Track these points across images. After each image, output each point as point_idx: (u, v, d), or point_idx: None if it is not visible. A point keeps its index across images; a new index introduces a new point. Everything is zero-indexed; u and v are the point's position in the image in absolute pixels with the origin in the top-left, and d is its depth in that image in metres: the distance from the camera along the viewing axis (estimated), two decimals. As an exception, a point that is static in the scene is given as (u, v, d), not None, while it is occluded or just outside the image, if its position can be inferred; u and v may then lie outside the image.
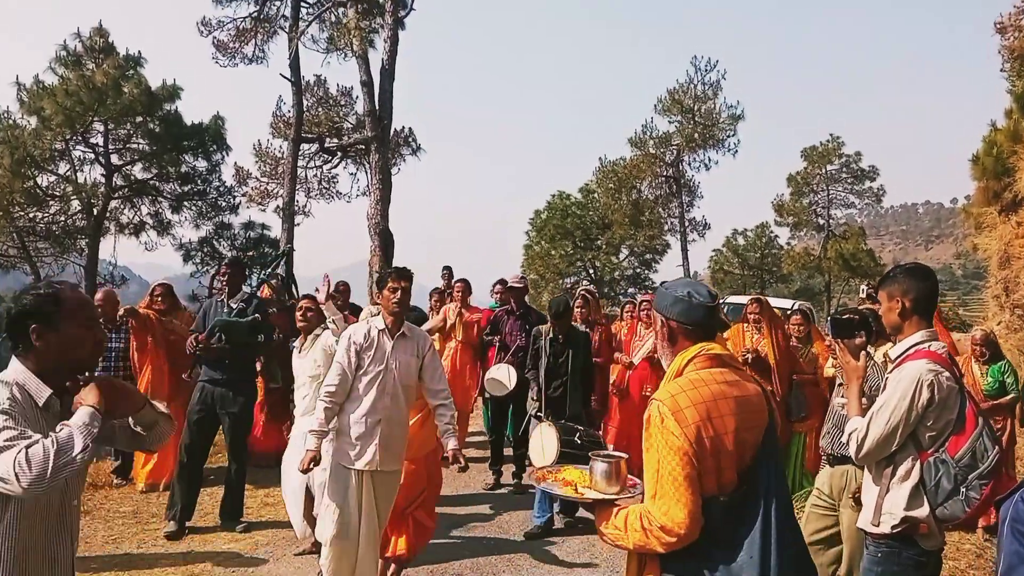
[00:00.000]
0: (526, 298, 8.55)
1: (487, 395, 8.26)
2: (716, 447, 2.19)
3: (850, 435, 3.03)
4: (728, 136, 32.38)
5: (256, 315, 6.43)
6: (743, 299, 10.26)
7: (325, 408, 4.42)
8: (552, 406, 6.29)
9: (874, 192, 39.23)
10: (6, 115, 18.72)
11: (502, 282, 11.45)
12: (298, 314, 5.74)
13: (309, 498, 5.34)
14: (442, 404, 4.60)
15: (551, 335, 6.56)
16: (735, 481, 2.21)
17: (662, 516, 2.19)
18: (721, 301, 3.76)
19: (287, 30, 19.09)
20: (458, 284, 9.23)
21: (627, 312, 8.59)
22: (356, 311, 8.07)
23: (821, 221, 38.76)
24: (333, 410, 4.43)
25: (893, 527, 2.91)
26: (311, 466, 4.39)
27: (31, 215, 19.26)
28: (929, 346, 2.96)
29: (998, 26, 10.51)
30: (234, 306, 6.47)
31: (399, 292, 4.47)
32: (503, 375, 7.44)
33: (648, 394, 7.28)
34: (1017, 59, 10.06)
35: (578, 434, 5.00)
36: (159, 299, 7.75)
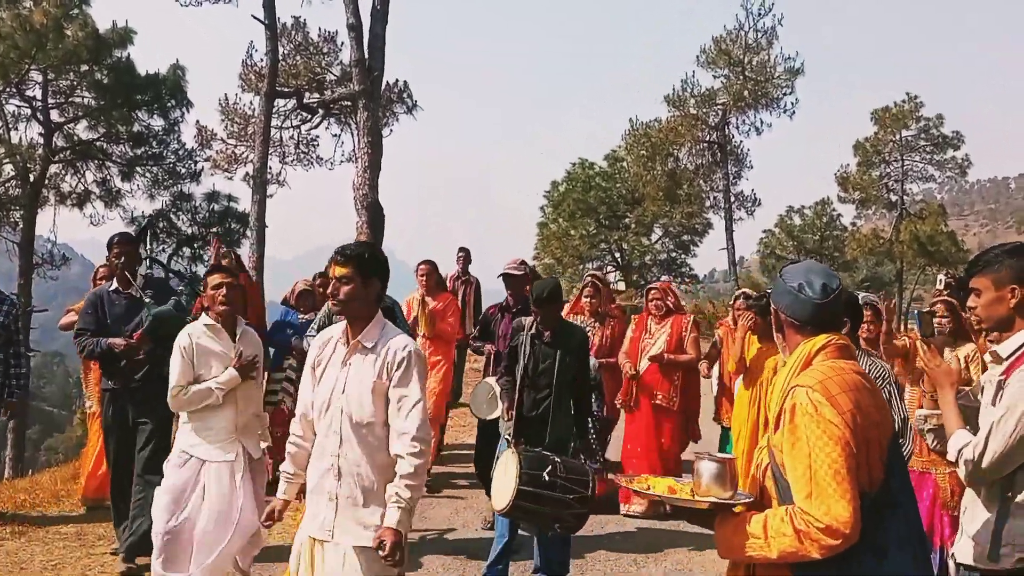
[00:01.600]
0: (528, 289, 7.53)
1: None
2: (866, 438, 2.33)
3: (959, 452, 2.94)
4: (784, 94, 32.34)
5: (175, 297, 6.19)
6: None
7: (288, 445, 3.83)
8: (530, 429, 5.40)
9: (958, 163, 38.92)
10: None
11: (464, 251, 11.08)
12: (217, 294, 4.98)
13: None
14: (398, 456, 3.48)
15: (533, 330, 5.57)
16: (881, 478, 2.35)
17: (824, 516, 2.24)
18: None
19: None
20: (422, 267, 8.82)
21: (652, 303, 7.80)
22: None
23: (894, 197, 38.53)
24: (297, 448, 3.80)
25: (1019, 561, 2.83)
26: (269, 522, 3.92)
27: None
28: None
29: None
30: (136, 295, 6.00)
31: (333, 283, 3.56)
32: (483, 394, 6.54)
33: (660, 402, 7.29)
34: None
35: (549, 469, 4.59)
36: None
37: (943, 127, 38.22)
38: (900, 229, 37.16)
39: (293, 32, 22.54)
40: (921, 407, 4.41)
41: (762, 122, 32.99)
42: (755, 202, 34.80)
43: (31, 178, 19.57)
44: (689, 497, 2.55)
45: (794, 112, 32.57)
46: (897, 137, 38.22)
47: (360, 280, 3.50)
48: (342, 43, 21.73)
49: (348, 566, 3.51)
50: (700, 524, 2.60)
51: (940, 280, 7.68)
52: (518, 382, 5.53)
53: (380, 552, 3.35)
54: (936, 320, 5.93)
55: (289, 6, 34.04)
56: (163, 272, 8.45)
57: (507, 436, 5.52)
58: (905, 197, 38.70)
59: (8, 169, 19.72)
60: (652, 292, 7.80)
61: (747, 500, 2.51)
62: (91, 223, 21.39)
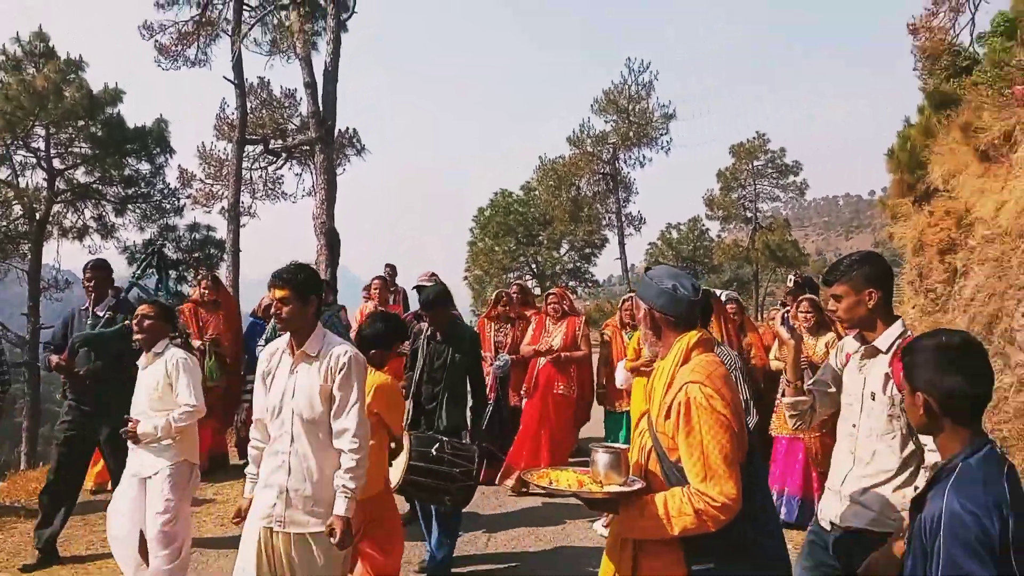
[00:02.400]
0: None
1: None
2: (740, 420, 2.34)
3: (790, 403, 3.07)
4: (661, 134, 32.86)
5: (127, 320, 5.17)
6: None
7: (250, 448, 3.58)
8: (427, 417, 5.21)
9: (797, 186, 40.17)
10: (-58, 120, 17.93)
11: (390, 267, 10.25)
12: (134, 323, 4.50)
13: (143, 539, 4.39)
14: (343, 452, 3.32)
15: (428, 332, 5.38)
16: (747, 451, 2.36)
17: (719, 495, 2.22)
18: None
19: (230, 33, 18.64)
20: (375, 280, 8.44)
21: (550, 306, 7.47)
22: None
23: (749, 214, 39.54)
24: (258, 450, 3.52)
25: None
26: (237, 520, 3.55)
27: (-29, 220, 18.50)
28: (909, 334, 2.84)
29: (911, 27, 10.81)
30: (101, 314, 5.45)
31: (276, 304, 3.34)
32: None
33: (562, 391, 6.98)
34: (928, 58, 10.37)
35: (436, 446, 4.47)
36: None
37: (785, 157, 39.41)
38: (755, 239, 38.15)
39: (259, 89, 22.17)
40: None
41: (644, 157, 33.56)
42: (641, 221, 35.33)
43: (37, 216, 18.81)
44: (596, 488, 2.38)
45: (669, 148, 33.17)
46: (750, 166, 39.24)
47: (298, 300, 3.29)
48: (300, 98, 21.46)
49: (300, 551, 3.32)
50: (603, 510, 2.44)
51: (790, 279, 7.77)
52: (416, 377, 5.31)
53: (332, 538, 3.20)
54: (803, 315, 6.13)
55: (255, 68, 33.51)
56: (145, 295, 7.28)
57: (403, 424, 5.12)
58: (758, 214, 39.71)
59: (17, 209, 18.93)
60: (551, 296, 7.50)
61: (641, 486, 2.36)
62: (90, 252, 20.59)
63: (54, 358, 5.32)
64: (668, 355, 2.45)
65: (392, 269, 10.20)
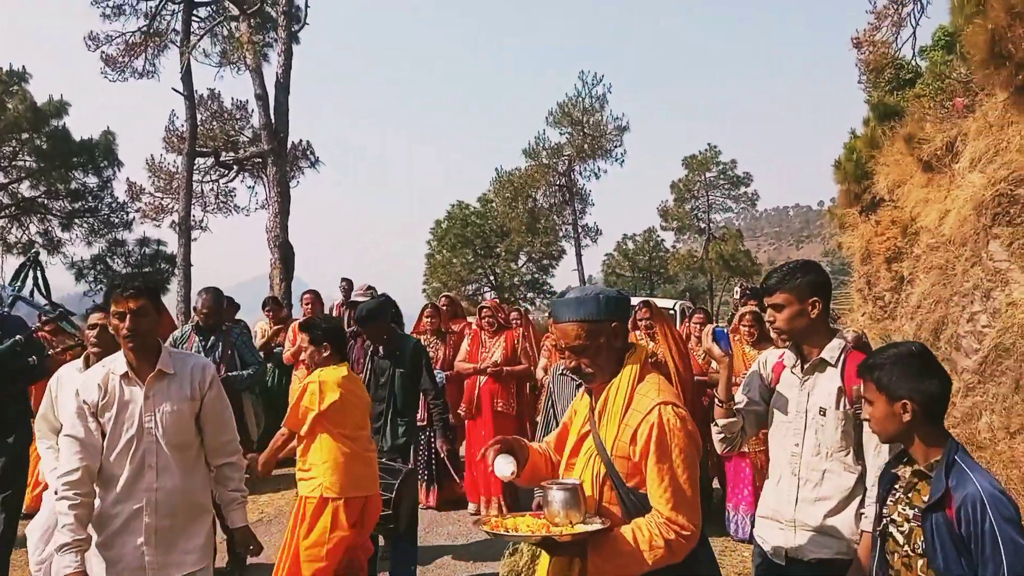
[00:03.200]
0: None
1: None
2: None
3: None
4: (615, 146, 33.03)
5: (17, 336, 4.56)
6: (633, 300, 10.14)
7: (70, 507, 2.80)
8: (375, 438, 4.81)
9: (749, 197, 40.93)
10: None
11: (346, 280, 9.66)
12: (90, 334, 3.86)
13: None
14: (227, 464, 3.10)
15: (372, 349, 5.21)
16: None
17: (688, 523, 2.13)
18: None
19: (178, 44, 18.29)
20: (306, 295, 8.27)
21: (484, 320, 7.03)
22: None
23: (702, 225, 40.12)
24: (85, 507, 2.84)
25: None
26: None
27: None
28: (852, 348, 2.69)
29: (854, 41, 11.03)
30: None
31: (127, 318, 2.84)
32: None
33: (501, 408, 6.67)
34: (872, 71, 10.58)
35: None
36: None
37: (737, 169, 40.11)
38: (708, 250, 38.69)
39: (209, 101, 21.72)
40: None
41: (599, 168, 33.66)
42: (598, 232, 35.47)
43: (-22, 231, 18.23)
44: (561, 530, 2.13)
45: (624, 160, 33.34)
46: (703, 178, 39.88)
47: (155, 311, 2.91)
48: (252, 110, 21.11)
49: None
50: (569, 554, 2.19)
51: (736, 291, 7.76)
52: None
53: (246, 552, 3.04)
54: (746, 328, 5.98)
55: (205, 79, 32.95)
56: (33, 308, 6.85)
57: None
58: (711, 224, 40.30)
59: (-43, 224, 18.32)
60: (484, 310, 7.05)
61: (607, 523, 2.18)
62: (36, 268, 20.05)
63: None
64: (622, 373, 2.29)
65: (348, 284, 10.00)
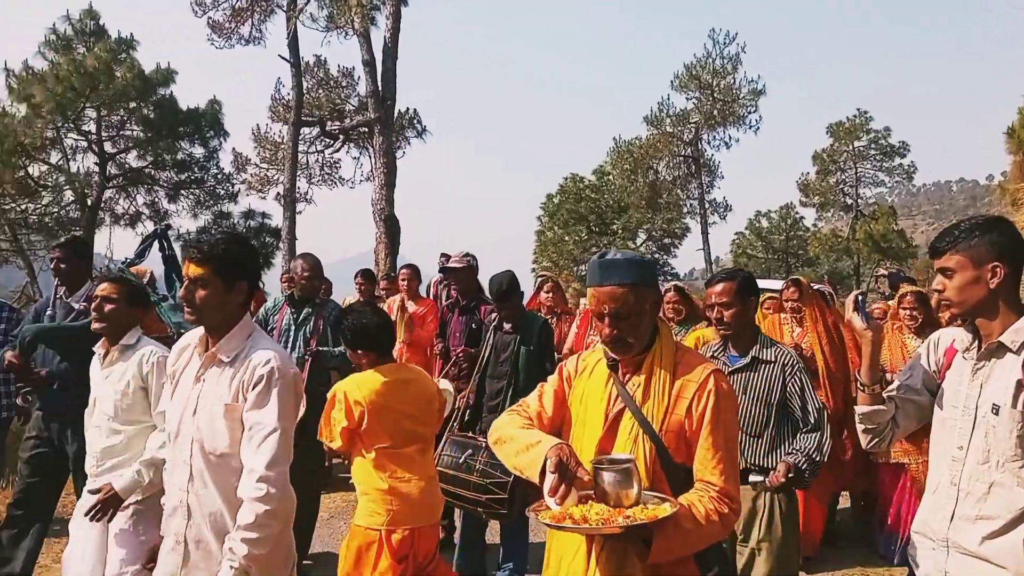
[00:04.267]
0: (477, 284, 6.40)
1: None
2: None
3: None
4: (749, 112, 32.20)
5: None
6: (773, 284, 9.70)
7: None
8: (488, 417, 4.91)
9: (904, 169, 38.95)
10: (-6, 103, 18.87)
11: (445, 256, 9.77)
12: (92, 308, 3.71)
13: None
14: (243, 498, 2.48)
15: (495, 323, 5.24)
16: None
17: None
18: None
19: (285, 8, 19.07)
20: (403, 271, 8.10)
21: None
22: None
23: (849, 201, 38.53)
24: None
25: None
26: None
27: (23, 207, 19.37)
28: None
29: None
30: (76, 306, 4.72)
31: (187, 285, 2.58)
32: None
33: None
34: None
35: (469, 453, 4.28)
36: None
37: (891, 138, 38.25)
38: (856, 229, 37.11)
39: (315, 68, 22.53)
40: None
41: (730, 137, 32.90)
42: (727, 208, 34.71)
43: (89, 202, 19.60)
44: (637, 515, 2.01)
45: (759, 128, 32.45)
46: (850, 147, 38.22)
47: (221, 283, 2.57)
48: (359, 77, 21.77)
49: None
50: (634, 539, 2.06)
51: (881, 273, 7.22)
52: (477, 374, 5.13)
53: None
54: (906, 311, 5.48)
55: (311, 46, 34.04)
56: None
57: (454, 425, 5.03)
58: (859, 200, 38.67)
59: (69, 195, 19.78)
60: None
61: (673, 505, 2.08)
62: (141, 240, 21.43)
63: (9, 354, 4.63)
64: (660, 341, 2.35)
65: (446, 259, 9.94)
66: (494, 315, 5.32)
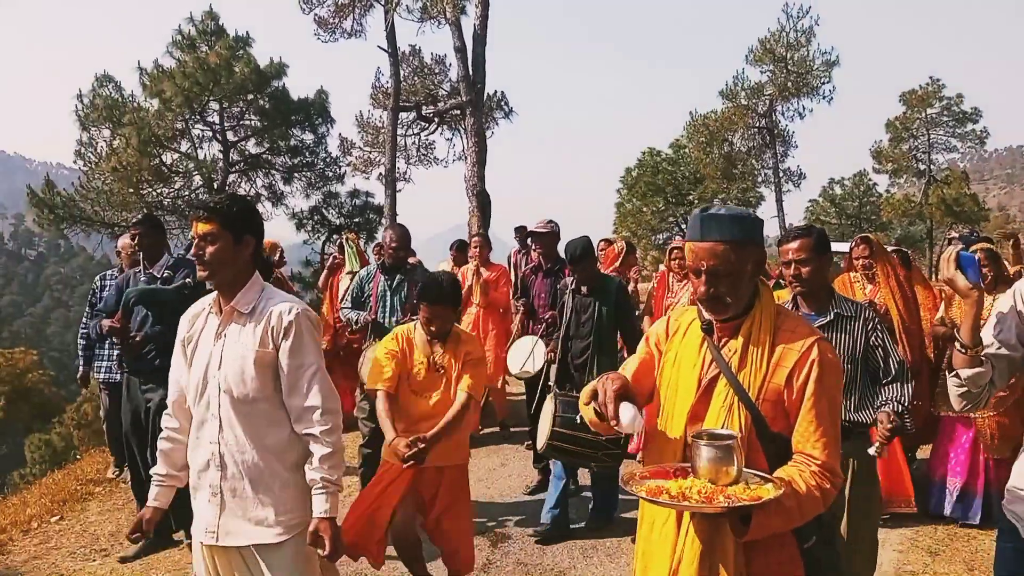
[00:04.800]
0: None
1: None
2: None
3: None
4: (823, 83, 30.91)
5: (187, 278, 4.64)
6: (841, 246, 9.43)
7: (159, 440, 2.78)
8: (574, 376, 5.07)
9: (977, 135, 36.83)
10: (131, 98, 19.67)
11: (521, 228, 9.64)
12: (193, 251, 3.10)
13: None
14: (308, 434, 2.55)
15: (572, 286, 5.22)
16: None
17: (839, 470, 1.99)
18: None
19: (382, 2, 19.22)
20: (475, 239, 8.25)
21: (674, 262, 6.67)
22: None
23: (922, 167, 36.74)
24: (170, 442, 2.75)
25: None
26: None
27: (158, 191, 20.19)
28: None
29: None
30: (158, 275, 4.85)
31: (204, 243, 2.52)
32: (523, 350, 5.87)
33: None
34: None
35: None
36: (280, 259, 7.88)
37: (963, 104, 36.22)
38: (928, 194, 35.43)
39: (411, 57, 22.71)
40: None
41: (804, 108, 31.63)
42: (801, 176, 33.58)
43: (215, 185, 20.31)
44: (739, 494, 1.84)
45: (832, 98, 31.14)
46: (923, 115, 36.35)
47: (230, 238, 2.51)
48: (450, 64, 21.89)
49: (246, 569, 2.58)
50: (733, 516, 1.89)
51: (951, 239, 6.76)
52: (562, 335, 5.14)
53: (319, 548, 2.50)
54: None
55: (407, 36, 34.23)
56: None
57: (549, 382, 5.16)
58: (932, 166, 36.85)
59: (197, 179, 20.51)
60: (675, 251, 6.66)
61: (768, 481, 1.92)
62: (263, 219, 22.14)
63: (106, 321, 4.75)
64: (760, 306, 2.10)
65: (524, 230, 9.88)
66: (570, 278, 5.31)
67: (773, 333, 2.06)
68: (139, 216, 5.23)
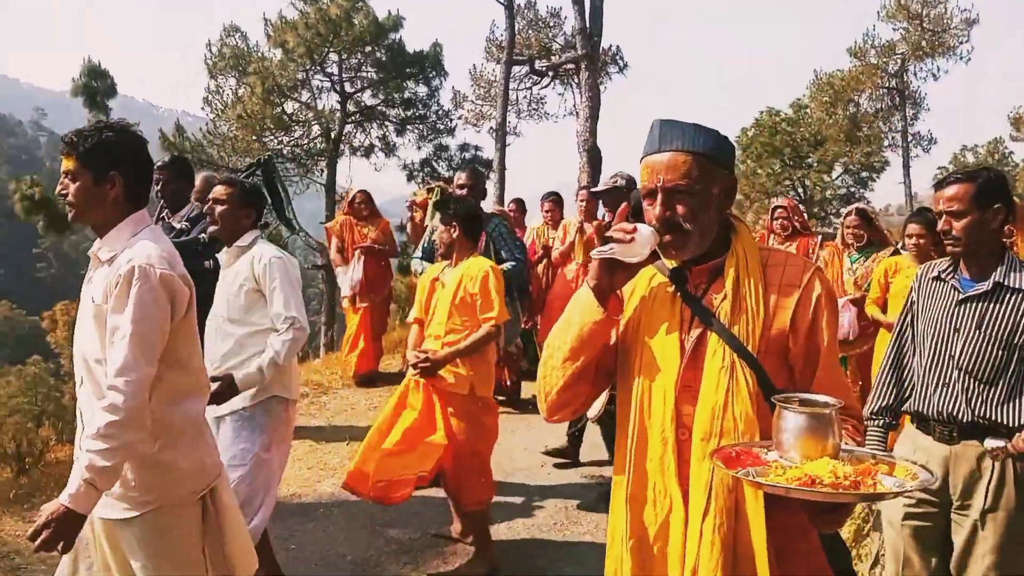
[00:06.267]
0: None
1: None
2: None
3: None
4: (961, 43, 28.94)
5: (201, 234, 4.24)
6: None
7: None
8: None
9: None
10: (256, 48, 20.38)
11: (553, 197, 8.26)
12: (206, 210, 3.68)
13: None
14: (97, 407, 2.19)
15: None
16: None
17: (856, 407, 1.76)
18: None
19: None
20: (548, 201, 7.90)
21: (776, 222, 6.29)
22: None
23: (1067, 134, 34.00)
24: None
25: None
26: None
27: (280, 139, 20.93)
28: None
29: None
30: (177, 226, 4.48)
31: (65, 180, 2.32)
32: None
33: None
34: None
35: None
36: (361, 206, 8.02)
37: (1124, 65, 33.14)
38: (1074, 163, 32.88)
39: (526, 10, 22.60)
40: None
41: (939, 68, 29.77)
42: (932, 141, 31.72)
43: (332, 136, 20.90)
44: (847, 474, 1.45)
45: (970, 59, 29.15)
46: (1075, 77, 33.52)
47: (90, 175, 2.26)
48: (565, 17, 21.65)
49: (112, 545, 2.33)
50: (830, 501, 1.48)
51: None
52: None
53: (32, 537, 2.09)
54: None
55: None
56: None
57: None
58: (1079, 134, 34.04)
59: (316, 129, 21.14)
60: (778, 211, 6.20)
61: (866, 458, 1.57)
62: (375, 169, 22.67)
63: None
64: (740, 242, 1.76)
65: (555, 198, 8.56)
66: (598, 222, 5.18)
67: (762, 271, 1.73)
68: (165, 159, 4.76)
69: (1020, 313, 2.63)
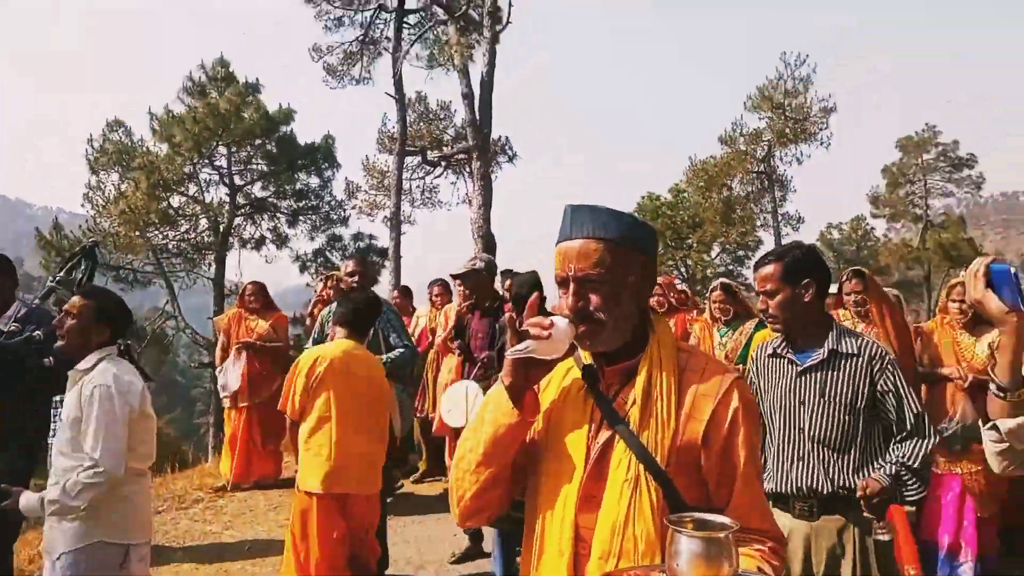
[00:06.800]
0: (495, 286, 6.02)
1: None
2: None
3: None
4: (820, 129, 31.42)
5: (36, 331, 3.93)
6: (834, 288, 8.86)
7: None
8: None
9: (973, 180, 37.42)
10: (141, 143, 20.01)
11: (505, 273, 7.77)
12: (55, 324, 3.09)
13: None
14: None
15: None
16: None
17: (776, 529, 1.58)
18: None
19: (391, 51, 19.62)
20: (436, 287, 7.76)
21: (654, 300, 5.87)
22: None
23: (919, 212, 37.19)
24: None
25: None
26: None
27: (165, 234, 20.41)
28: None
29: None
30: (4, 328, 4.03)
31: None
32: (457, 399, 5.08)
33: None
34: None
35: None
36: (251, 298, 7.53)
37: (959, 150, 36.82)
38: (926, 238, 35.82)
39: (416, 104, 23.11)
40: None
41: (802, 153, 32.13)
42: (800, 220, 33.94)
43: (220, 229, 20.55)
44: None
45: (829, 144, 31.62)
46: (919, 161, 36.93)
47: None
48: (455, 110, 22.30)
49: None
50: None
51: (959, 273, 6.47)
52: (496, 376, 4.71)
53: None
54: (956, 305, 4.58)
55: (413, 83, 34.76)
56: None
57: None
58: (928, 211, 37.28)
59: (204, 222, 20.76)
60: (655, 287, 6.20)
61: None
62: (266, 262, 22.35)
63: None
64: (658, 340, 1.62)
65: (510, 276, 8.67)
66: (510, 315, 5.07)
67: (678, 375, 1.58)
68: None
69: (858, 378, 2.67)
